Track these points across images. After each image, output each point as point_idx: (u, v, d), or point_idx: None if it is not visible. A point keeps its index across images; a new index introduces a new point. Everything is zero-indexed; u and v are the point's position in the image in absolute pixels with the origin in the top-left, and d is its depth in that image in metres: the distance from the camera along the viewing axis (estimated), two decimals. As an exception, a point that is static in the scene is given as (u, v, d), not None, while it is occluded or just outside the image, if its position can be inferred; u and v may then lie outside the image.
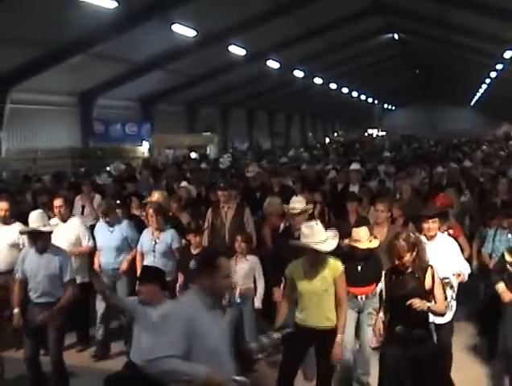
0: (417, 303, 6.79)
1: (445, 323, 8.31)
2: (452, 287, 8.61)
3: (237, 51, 31.14)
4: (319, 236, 7.34)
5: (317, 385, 7.62)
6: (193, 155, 35.74)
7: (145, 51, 27.65)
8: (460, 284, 9.14)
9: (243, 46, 30.88)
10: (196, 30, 25.82)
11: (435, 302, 7.10)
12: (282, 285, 9.06)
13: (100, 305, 10.29)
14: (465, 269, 8.96)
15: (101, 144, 31.07)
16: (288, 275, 7.65)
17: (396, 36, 43.79)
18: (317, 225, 7.52)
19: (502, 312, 8.63)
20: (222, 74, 35.78)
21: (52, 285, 8.41)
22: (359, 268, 8.54)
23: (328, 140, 67.87)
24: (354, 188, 14.62)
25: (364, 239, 8.58)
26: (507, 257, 8.42)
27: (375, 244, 8.67)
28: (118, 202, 12.00)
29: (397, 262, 6.96)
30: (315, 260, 7.38)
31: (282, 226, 11.05)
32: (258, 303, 9.76)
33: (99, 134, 31.27)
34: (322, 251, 7.38)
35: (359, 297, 8.57)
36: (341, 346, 7.50)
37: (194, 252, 9.73)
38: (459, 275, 8.69)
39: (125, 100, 33.42)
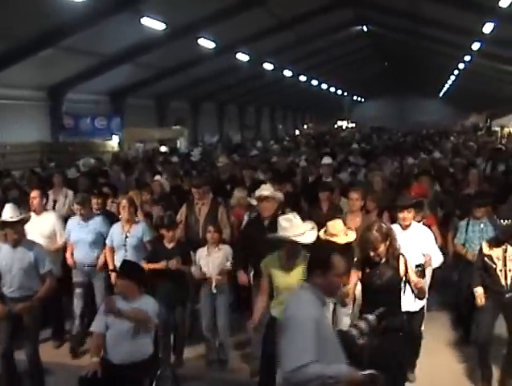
0: (420, 282, 7.22)
1: (418, 311, 8.39)
2: (424, 275, 8.74)
3: (206, 44, 31.01)
4: (298, 229, 7.38)
5: None
6: (163, 149, 35.63)
7: (114, 44, 27.41)
8: (434, 273, 9.26)
9: (212, 39, 30.75)
10: (166, 23, 25.68)
11: (412, 289, 7.32)
12: (250, 273, 9.28)
13: (77, 304, 10.25)
14: (438, 258, 9.06)
15: (71, 138, 30.76)
16: (264, 269, 7.64)
17: (365, 28, 43.93)
18: (295, 218, 7.56)
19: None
20: (192, 67, 35.58)
21: (28, 279, 8.37)
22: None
23: (298, 132, 67.99)
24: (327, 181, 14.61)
25: (341, 233, 8.68)
26: (485, 250, 8.60)
27: (352, 237, 8.77)
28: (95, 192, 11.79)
29: (372, 253, 7.00)
30: (294, 253, 7.40)
31: (245, 217, 11.21)
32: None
33: (69, 129, 30.95)
34: (302, 243, 7.42)
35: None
36: None
37: (168, 246, 9.66)
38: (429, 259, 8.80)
39: (95, 93, 33.12)
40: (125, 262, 8.16)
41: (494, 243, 8.58)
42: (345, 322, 8.68)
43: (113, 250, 10.32)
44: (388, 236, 7.06)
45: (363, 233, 7.25)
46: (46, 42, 23.72)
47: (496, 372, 8.65)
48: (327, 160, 15.99)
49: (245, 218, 11.25)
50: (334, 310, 8.81)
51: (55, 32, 23.07)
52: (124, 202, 10.32)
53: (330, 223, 8.78)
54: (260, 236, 8.72)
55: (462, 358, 9.71)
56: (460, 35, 33.34)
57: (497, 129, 45.46)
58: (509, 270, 8.35)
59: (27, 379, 8.55)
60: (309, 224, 7.66)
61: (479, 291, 8.50)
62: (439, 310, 11.54)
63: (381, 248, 6.98)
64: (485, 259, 8.52)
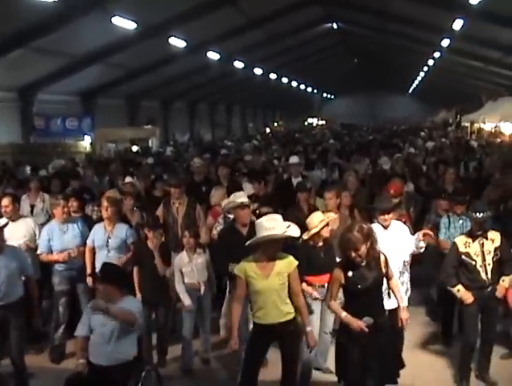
0: (405, 316, 7.47)
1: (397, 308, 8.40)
2: (405, 273, 8.81)
3: (177, 43, 30.99)
4: (282, 226, 7.32)
5: (284, 375, 7.51)
6: (135, 148, 35.52)
7: (85, 44, 27.21)
8: (412, 270, 9.31)
9: (183, 38, 30.74)
10: (137, 23, 25.67)
11: (394, 293, 7.43)
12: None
13: (63, 313, 10.03)
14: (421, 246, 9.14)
15: (42, 139, 30.62)
16: (240, 274, 7.39)
17: (335, 26, 44.10)
18: (278, 216, 7.57)
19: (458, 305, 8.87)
20: (163, 66, 35.57)
21: (13, 285, 8.26)
22: (322, 255, 8.57)
23: (268, 130, 68.04)
24: (297, 180, 14.47)
25: (316, 222, 8.57)
26: (461, 248, 8.58)
27: (331, 216, 8.91)
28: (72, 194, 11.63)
29: (353, 255, 6.91)
30: (276, 253, 7.31)
31: (219, 220, 10.96)
32: (213, 288, 9.91)
33: (40, 130, 30.76)
34: (292, 236, 7.47)
35: (326, 285, 8.44)
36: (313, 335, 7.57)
37: (152, 246, 9.58)
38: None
39: (66, 94, 32.90)
40: (105, 266, 7.93)
41: (470, 239, 8.56)
42: (329, 321, 8.69)
43: (93, 250, 10.16)
44: (369, 237, 6.99)
45: (343, 234, 7.12)
46: (16, 42, 23.55)
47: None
48: (294, 159, 15.82)
49: (220, 220, 10.97)
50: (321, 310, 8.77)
51: (25, 33, 22.93)
52: (104, 203, 10.16)
53: (307, 221, 8.75)
54: (240, 244, 8.65)
55: (443, 354, 9.75)
56: (430, 32, 33.63)
57: (467, 124, 45.70)
58: (489, 264, 8.42)
59: (12, 383, 8.45)
60: (286, 223, 7.55)
61: (461, 289, 8.49)
62: (419, 307, 11.58)
63: (363, 249, 6.89)
64: (463, 257, 8.50)
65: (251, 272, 7.29)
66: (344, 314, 7.08)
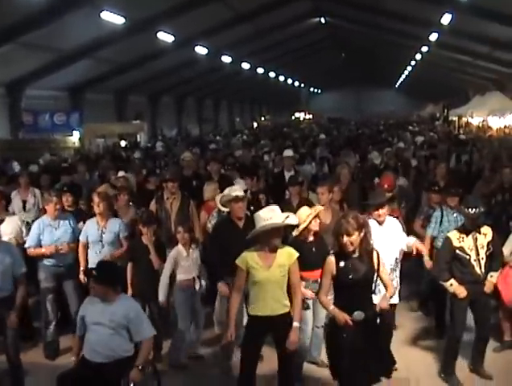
0: (385, 304, 7.09)
1: (390, 305, 8.42)
2: (396, 269, 8.88)
3: (165, 37, 30.98)
4: (281, 216, 7.38)
5: (280, 369, 7.55)
6: (123, 143, 35.48)
7: (73, 39, 27.16)
8: (403, 265, 9.38)
9: (171, 32, 30.71)
10: (125, 18, 25.61)
11: (385, 285, 7.30)
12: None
13: (51, 310, 9.95)
14: (413, 242, 9.19)
15: (31, 135, 30.53)
16: (241, 265, 7.39)
17: (323, 20, 44.15)
18: (276, 207, 7.59)
19: (450, 298, 8.92)
20: (151, 61, 35.48)
21: (6, 281, 8.20)
22: (313, 249, 8.59)
23: (255, 124, 68.04)
24: (289, 174, 14.49)
25: (304, 216, 8.59)
26: (455, 243, 8.58)
27: (318, 208, 8.87)
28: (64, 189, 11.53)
29: (345, 240, 6.86)
30: (278, 243, 7.34)
31: (213, 214, 10.97)
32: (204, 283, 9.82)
33: (28, 125, 30.64)
34: (293, 224, 7.61)
35: (319, 279, 8.50)
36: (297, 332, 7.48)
37: (146, 241, 9.60)
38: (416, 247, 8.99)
39: (54, 89, 32.81)
40: (101, 265, 7.83)
41: (463, 233, 8.58)
42: (322, 316, 8.73)
43: (86, 246, 10.15)
44: (363, 227, 6.95)
45: (338, 221, 7.16)
46: (3, 38, 23.50)
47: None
48: (288, 152, 15.83)
49: (214, 214, 10.99)
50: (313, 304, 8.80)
51: (13, 28, 22.87)
52: (96, 198, 10.14)
53: (296, 215, 8.74)
54: (235, 237, 8.70)
55: (436, 348, 9.77)
56: (418, 26, 33.78)
57: (455, 118, 45.83)
58: (482, 258, 8.48)
59: (7, 380, 8.42)
60: (284, 213, 7.61)
61: (454, 283, 8.51)
62: (410, 302, 11.63)
63: (355, 236, 6.85)
64: (457, 251, 8.51)
65: (253, 262, 7.31)
66: (332, 307, 7.10)
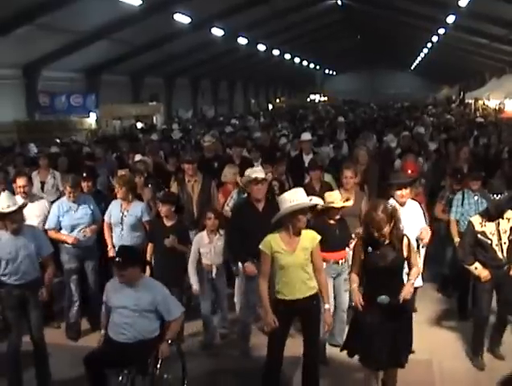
0: (407, 293, 7.01)
1: (415, 288, 8.44)
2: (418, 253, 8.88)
3: (182, 19, 30.92)
4: (306, 198, 7.41)
5: (306, 351, 7.61)
6: (139, 125, 35.49)
7: (90, 21, 27.22)
8: (427, 248, 9.38)
9: (188, 14, 30.66)
10: (142, -1, 25.54)
11: (410, 266, 7.27)
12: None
13: (75, 291, 10.05)
14: (427, 234, 9.18)
15: (47, 117, 30.58)
16: (266, 249, 7.37)
17: (339, 2, 43.95)
18: (300, 189, 7.58)
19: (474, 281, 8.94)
20: (167, 43, 35.49)
21: (31, 265, 8.25)
22: (337, 231, 8.69)
23: (271, 106, 67.93)
24: (308, 157, 14.52)
25: (337, 200, 8.74)
26: (477, 227, 8.57)
27: (350, 203, 8.97)
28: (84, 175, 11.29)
29: (376, 234, 6.92)
30: (303, 225, 7.34)
31: (233, 195, 11.04)
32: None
33: (44, 107, 30.69)
34: (318, 204, 7.76)
35: (340, 262, 8.79)
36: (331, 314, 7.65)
37: (167, 224, 9.56)
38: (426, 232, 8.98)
39: (70, 71, 32.78)
40: (121, 250, 7.88)
41: (486, 218, 8.56)
42: (345, 299, 8.77)
43: (110, 226, 10.26)
44: (393, 217, 6.99)
45: (368, 213, 7.16)
46: (21, 20, 23.56)
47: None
48: (307, 136, 15.82)
49: (234, 196, 11.03)
50: (334, 286, 8.84)
51: (31, 10, 22.94)
52: (117, 183, 10.23)
53: (327, 193, 8.86)
54: (254, 219, 8.70)
55: (459, 330, 9.76)
56: (436, 8, 33.52)
57: (471, 101, 45.62)
58: (504, 243, 8.43)
59: (32, 361, 8.43)
60: (310, 197, 7.74)
61: (479, 267, 8.50)
62: (432, 284, 11.62)
63: (386, 229, 6.89)
64: (479, 236, 8.51)
65: (277, 247, 7.31)
66: (354, 285, 7.25)
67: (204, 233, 9.52)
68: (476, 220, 8.64)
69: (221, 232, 9.54)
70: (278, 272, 7.41)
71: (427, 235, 9.04)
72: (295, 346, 7.93)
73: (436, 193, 12.02)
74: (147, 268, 9.35)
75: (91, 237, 10.20)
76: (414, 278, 7.24)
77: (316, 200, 7.58)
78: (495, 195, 8.47)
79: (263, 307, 7.58)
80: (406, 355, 7.18)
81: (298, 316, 7.63)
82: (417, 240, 8.91)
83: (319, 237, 7.47)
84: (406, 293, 6.97)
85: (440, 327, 10.14)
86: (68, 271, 10.15)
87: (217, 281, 9.58)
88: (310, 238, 7.41)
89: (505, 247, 8.46)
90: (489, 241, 8.48)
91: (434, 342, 9.30)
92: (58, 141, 22.13)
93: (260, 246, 7.44)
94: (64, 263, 10.16)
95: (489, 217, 8.56)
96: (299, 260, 7.29)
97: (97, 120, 32.89)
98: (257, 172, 9.52)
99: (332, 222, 8.75)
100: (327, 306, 7.51)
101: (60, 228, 10.08)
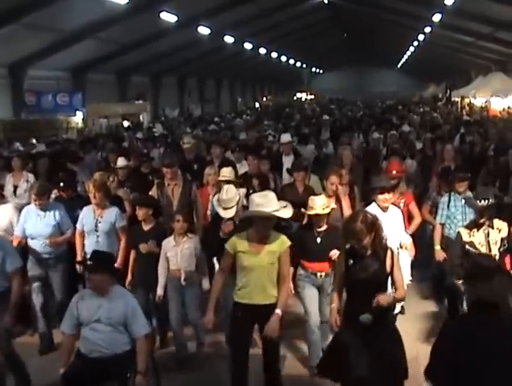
0: (384, 300, 6.50)
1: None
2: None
3: (168, 17, 30.81)
4: (273, 205, 7.06)
5: (265, 361, 7.28)
6: (126, 124, 35.42)
7: (76, 19, 27.05)
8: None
9: (174, 12, 30.55)
10: (128, -2, 25.45)
11: (395, 287, 6.89)
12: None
13: (37, 299, 9.67)
14: (407, 240, 9.14)
15: (33, 116, 30.47)
16: (230, 249, 7.14)
17: (326, 0, 43.98)
18: (271, 194, 7.31)
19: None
20: (153, 41, 35.41)
21: None
22: (318, 240, 8.37)
23: (257, 105, 67.90)
24: (287, 158, 14.41)
25: (317, 205, 8.36)
26: (465, 238, 8.37)
27: (327, 210, 8.44)
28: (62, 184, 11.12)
29: (356, 246, 6.63)
30: (266, 231, 7.07)
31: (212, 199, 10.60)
32: (206, 285, 9.22)
33: (31, 106, 30.57)
34: (282, 217, 7.21)
35: (318, 274, 8.40)
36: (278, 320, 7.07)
37: (145, 228, 9.42)
38: (406, 247, 8.91)
39: (56, 70, 32.68)
40: (95, 254, 7.54)
41: (474, 228, 8.37)
42: (328, 311, 8.03)
43: (83, 234, 9.90)
44: (373, 227, 6.62)
45: (346, 224, 6.87)
46: (6, 18, 23.42)
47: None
48: (286, 138, 15.60)
49: (212, 200, 10.40)
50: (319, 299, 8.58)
51: (16, 8, 22.82)
52: (90, 187, 9.83)
53: (310, 198, 8.60)
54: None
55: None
56: (422, 7, 33.62)
57: (457, 99, 45.71)
58: (495, 255, 8.10)
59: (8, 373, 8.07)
60: (283, 202, 7.37)
61: None
62: (420, 284, 11.58)
63: (366, 240, 6.55)
64: (467, 246, 8.25)
65: (241, 247, 7.06)
66: (333, 305, 6.92)
67: (171, 237, 9.15)
68: (465, 230, 8.45)
69: (190, 235, 9.20)
70: (239, 273, 7.18)
71: (411, 249, 8.98)
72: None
73: (422, 194, 12.00)
74: (129, 273, 9.35)
75: (57, 247, 9.79)
76: (398, 294, 6.86)
77: (283, 212, 7.15)
78: (481, 201, 8.31)
79: (209, 303, 7.28)
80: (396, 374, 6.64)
81: (257, 323, 7.28)
82: (398, 247, 8.77)
83: (288, 243, 7.16)
84: (382, 299, 6.49)
85: (428, 325, 10.08)
86: (31, 278, 9.67)
87: (187, 290, 9.10)
88: (279, 242, 7.10)
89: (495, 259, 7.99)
90: (478, 252, 8.15)
91: (421, 339, 9.31)
92: (34, 141, 21.59)
93: (225, 244, 7.25)
94: (28, 270, 9.63)
95: (476, 226, 8.39)
96: (262, 263, 7.02)
97: (83, 118, 32.75)
98: (226, 172, 9.96)
99: (318, 229, 8.42)
100: (278, 311, 6.99)
101: (26, 236, 9.69)
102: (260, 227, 7.03)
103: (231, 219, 8.52)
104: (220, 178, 10.14)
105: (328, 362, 6.93)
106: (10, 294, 7.78)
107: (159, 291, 8.97)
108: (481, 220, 8.35)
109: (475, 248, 8.23)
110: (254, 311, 7.07)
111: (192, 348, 9.40)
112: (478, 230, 8.32)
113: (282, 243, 7.13)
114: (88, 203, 10.23)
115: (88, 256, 7.92)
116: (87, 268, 7.19)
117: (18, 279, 7.92)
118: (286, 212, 7.24)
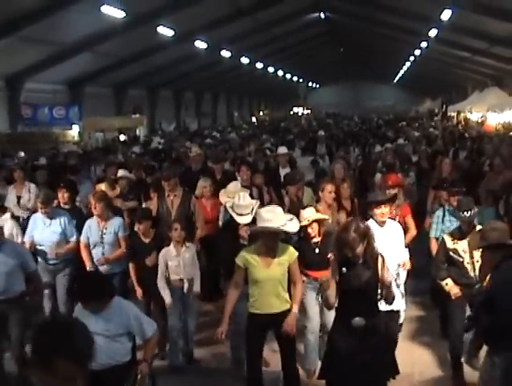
0: (392, 290, 6.86)
1: (395, 311, 8.37)
2: (400, 274, 8.78)
3: (165, 32, 30.85)
4: (282, 219, 7.30)
5: (283, 366, 7.60)
6: (122, 138, 35.42)
7: (73, 32, 27.05)
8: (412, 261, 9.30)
9: (172, 26, 30.60)
10: (125, 11, 25.44)
11: (386, 291, 6.92)
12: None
13: (46, 305, 9.99)
14: (405, 257, 9.11)
15: (29, 128, 30.48)
16: (240, 263, 7.36)
17: (322, 15, 44.14)
18: (278, 209, 7.52)
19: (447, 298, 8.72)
20: (150, 55, 35.45)
21: (12, 281, 8.10)
22: (317, 250, 8.54)
23: (254, 119, 67.97)
24: (284, 170, 14.53)
25: (303, 218, 8.48)
26: (449, 245, 8.46)
27: (301, 224, 8.36)
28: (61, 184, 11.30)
29: (349, 255, 6.67)
30: (275, 245, 7.29)
31: (221, 209, 11.14)
32: (197, 288, 9.34)
33: (27, 118, 30.55)
34: (290, 232, 7.52)
35: (319, 280, 8.39)
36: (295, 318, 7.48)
37: (145, 240, 9.58)
38: (404, 264, 8.88)
39: (53, 83, 32.69)
40: (80, 280, 7.29)
41: (458, 236, 8.45)
42: (330, 317, 8.40)
43: (88, 247, 10.01)
44: (366, 236, 6.69)
45: (339, 234, 6.89)
46: (3, 31, 23.39)
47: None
48: (283, 150, 15.87)
49: (222, 210, 11.00)
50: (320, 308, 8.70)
51: (13, 21, 22.82)
52: (92, 200, 9.98)
53: (301, 211, 8.68)
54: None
55: (441, 342, 9.69)
56: (418, 22, 33.71)
57: (453, 114, 45.83)
58: (477, 261, 8.13)
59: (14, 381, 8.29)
60: (288, 215, 7.63)
61: (450, 283, 8.36)
62: (415, 297, 11.54)
63: (359, 249, 6.62)
64: (451, 253, 8.40)
65: (252, 260, 7.31)
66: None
67: (171, 246, 9.28)
68: (449, 237, 8.53)
69: (188, 244, 9.39)
70: (252, 286, 7.42)
71: (407, 264, 8.98)
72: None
73: (419, 207, 11.98)
74: (136, 287, 9.45)
75: (63, 255, 10.09)
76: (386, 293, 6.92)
77: (289, 226, 7.38)
78: (465, 213, 8.37)
79: (223, 315, 7.46)
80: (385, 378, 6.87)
81: (273, 330, 7.59)
82: (398, 264, 8.71)
83: (296, 253, 7.47)
84: (387, 277, 6.78)
85: (422, 340, 10.08)
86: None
87: (188, 298, 9.30)
88: (287, 253, 7.40)
89: (477, 265, 8.11)
90: (461, 259, 8.33)
91: (416, 356, 9.28)
92: (22, 154, 21.63)
93: (236, 259, 7.44)
94: None
95: (460, 235, 8.46)
96: (274, 275, 7.30)
97: (79, 132, 32.72)
98: (233, 187, 10.04)
99: (315, 240, 8.59)
100: (294, 310, 7.42)
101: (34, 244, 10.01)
102: (268, 242, 7.29)
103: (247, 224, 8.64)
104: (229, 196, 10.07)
105: (328, 366, 7.04)
106: (25, 297, 8.26)
107: (168, 299, 9.11)
108: (466, 230, 8.44)
109: (458, 255, 8.37)
110: (270, 319, 7.39)
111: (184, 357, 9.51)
112: (462, 238, 8.42)
113: (291, 253, 7.45)
114: (84, 215, 10.59)
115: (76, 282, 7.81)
116: (76, 298, 7.04)
117: (35, 280, 8.48)
118: (293, 226, 7.54)
